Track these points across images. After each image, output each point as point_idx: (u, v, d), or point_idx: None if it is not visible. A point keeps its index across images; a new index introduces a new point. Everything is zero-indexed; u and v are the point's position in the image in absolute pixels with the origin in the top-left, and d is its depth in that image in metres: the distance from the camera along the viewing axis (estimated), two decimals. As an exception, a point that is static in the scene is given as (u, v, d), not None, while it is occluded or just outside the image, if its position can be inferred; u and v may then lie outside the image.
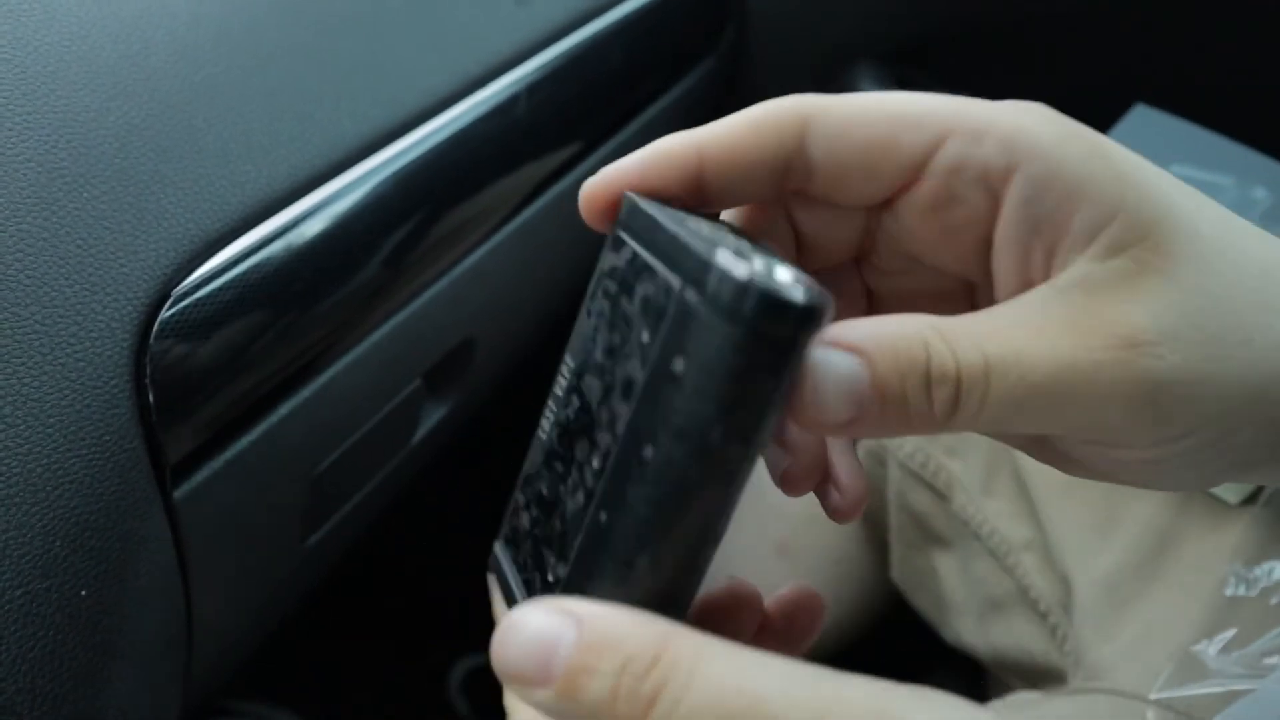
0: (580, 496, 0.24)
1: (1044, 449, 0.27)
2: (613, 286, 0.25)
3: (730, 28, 0.74)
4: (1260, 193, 0.63)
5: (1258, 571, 0.46)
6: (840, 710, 0.19)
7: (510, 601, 0.28)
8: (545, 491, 0.27)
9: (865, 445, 0.62)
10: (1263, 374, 0.24)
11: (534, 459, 0.28)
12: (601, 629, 0.19)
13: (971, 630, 0.60)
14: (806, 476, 0.28)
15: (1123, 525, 0.52)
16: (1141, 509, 0.51)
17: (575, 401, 0.26)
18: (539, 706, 0.19)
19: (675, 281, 0.22)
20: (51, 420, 0.34)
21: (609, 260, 0.26)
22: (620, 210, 0.26)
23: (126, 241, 0.37)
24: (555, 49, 0.57)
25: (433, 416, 0.56)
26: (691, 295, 0.21)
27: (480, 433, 0.70)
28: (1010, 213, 0.24)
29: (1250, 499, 0.49)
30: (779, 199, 0.27)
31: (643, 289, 0.23)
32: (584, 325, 0.26)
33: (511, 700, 0.28)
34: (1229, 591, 0.46)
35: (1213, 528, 0.49)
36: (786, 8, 0.76)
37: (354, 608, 0.88)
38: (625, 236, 0.25)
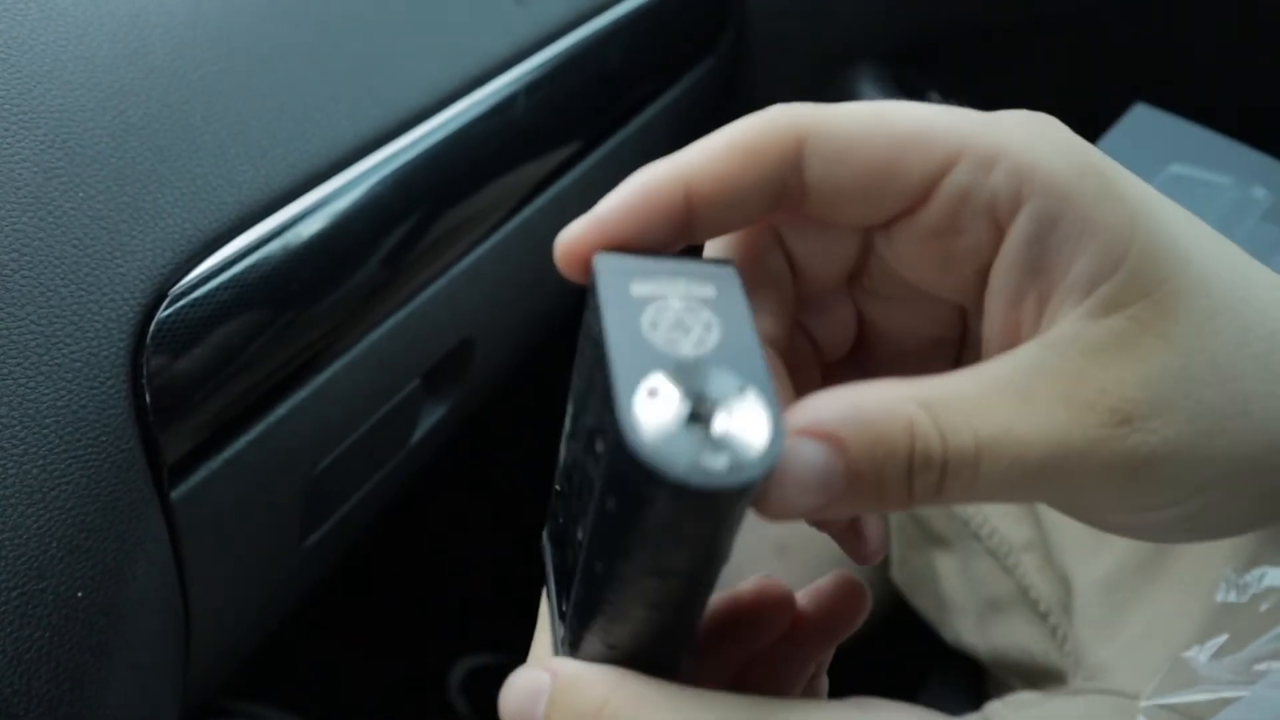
0: (575, 549, 0.23)
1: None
2: (587, 355, 0.22)
3: (730, 27, 0.73)
4: (1260, 192, 0.63)
5: (1248, 578, 0.46)
6: None
7: (549, 597, 0.27)
8: (561, 519, 0.25)
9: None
10: (1259, 446, 0.22)
11: (559, 468, 0.26)
12: (564, 684, 0.22)
13: (971, 630, 0.60)
14: (827, 528, 0.27)
15: (1123, 525, 0.51)
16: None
17: (568, 452, 0.24)
18: None
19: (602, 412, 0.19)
20: (47, 420, 0.34)
21: (587, 321, 0.22)
22: (590, 273, 0.22)
23: (123, 241, 0.37)
24: (554, 48, 0.57)
25: (431, 416, 0.56)
26: (607, 436, 0.18)
27: (479, 433, 0.70)
28: (1011, 249, 0.23)
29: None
30: (767, 221, 0.25)
31: (600, 381, 0.20)
32: (575, 372, 0.23)
33: None
34: (1220, 597, 0.46)
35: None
36: (786, 7, 0.76)
37: (354, 608, 0.88)
38: (595, 303, 0.21)
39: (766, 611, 0.27)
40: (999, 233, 0.23)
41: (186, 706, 0.46)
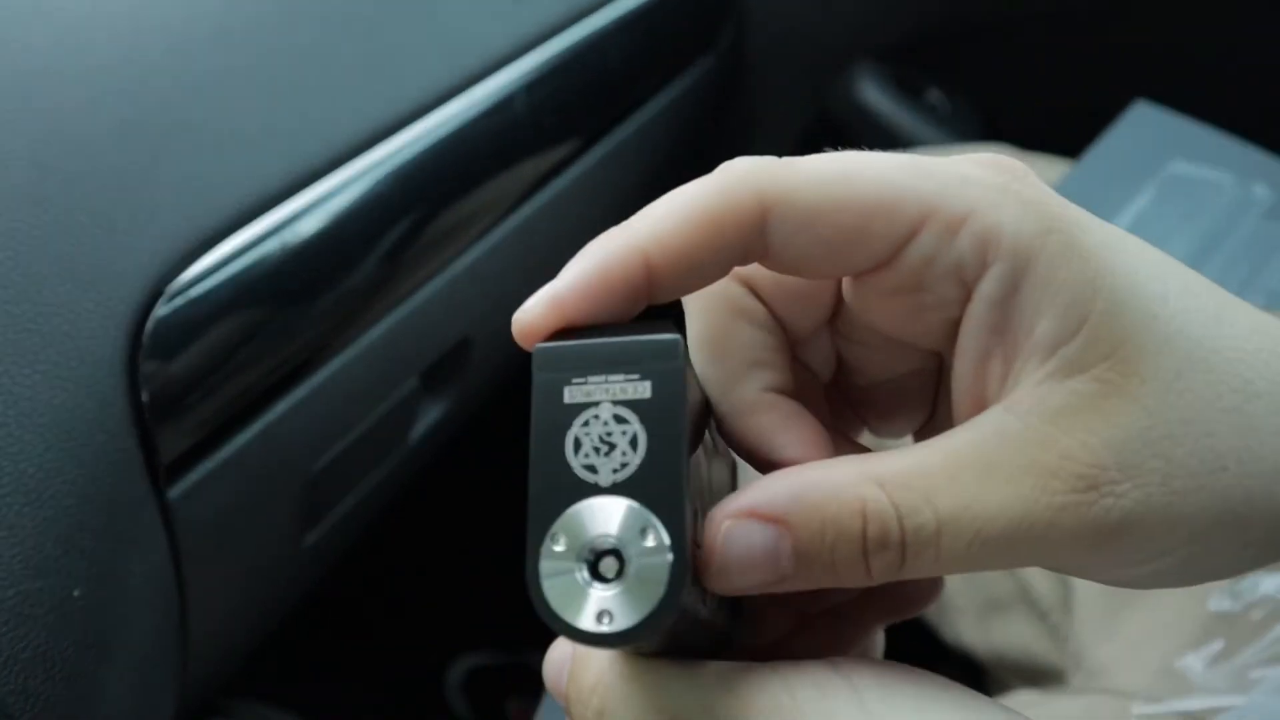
0: None
1: None
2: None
3: (728, 25, 0.73)
4: (1260, 190, 0.62)
5: (1242, 586, 0.46)
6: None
7: None
8: None
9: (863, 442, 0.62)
10: (1237, 500, 0.22)
11: None
12: (578, 656, 0.24)
13: (971, 630, 0.59)
14: None
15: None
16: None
17: None
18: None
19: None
20: (44, 418, 0.34)
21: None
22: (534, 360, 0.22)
23: (120, 238, 0.37)
24: (552, 45, 0.57)
25: (429, 415, 0.56)
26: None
27: (477, 431, 0.70)
28: (977, 311, 0.23)
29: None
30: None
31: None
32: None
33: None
34: (1214, 606, 0.46)
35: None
36: (785, 6, 0.76)
37: (354, 608, 0.88)
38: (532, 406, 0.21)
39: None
40: (967, 292, 0.23)
41: (185, 705, 0.46)
